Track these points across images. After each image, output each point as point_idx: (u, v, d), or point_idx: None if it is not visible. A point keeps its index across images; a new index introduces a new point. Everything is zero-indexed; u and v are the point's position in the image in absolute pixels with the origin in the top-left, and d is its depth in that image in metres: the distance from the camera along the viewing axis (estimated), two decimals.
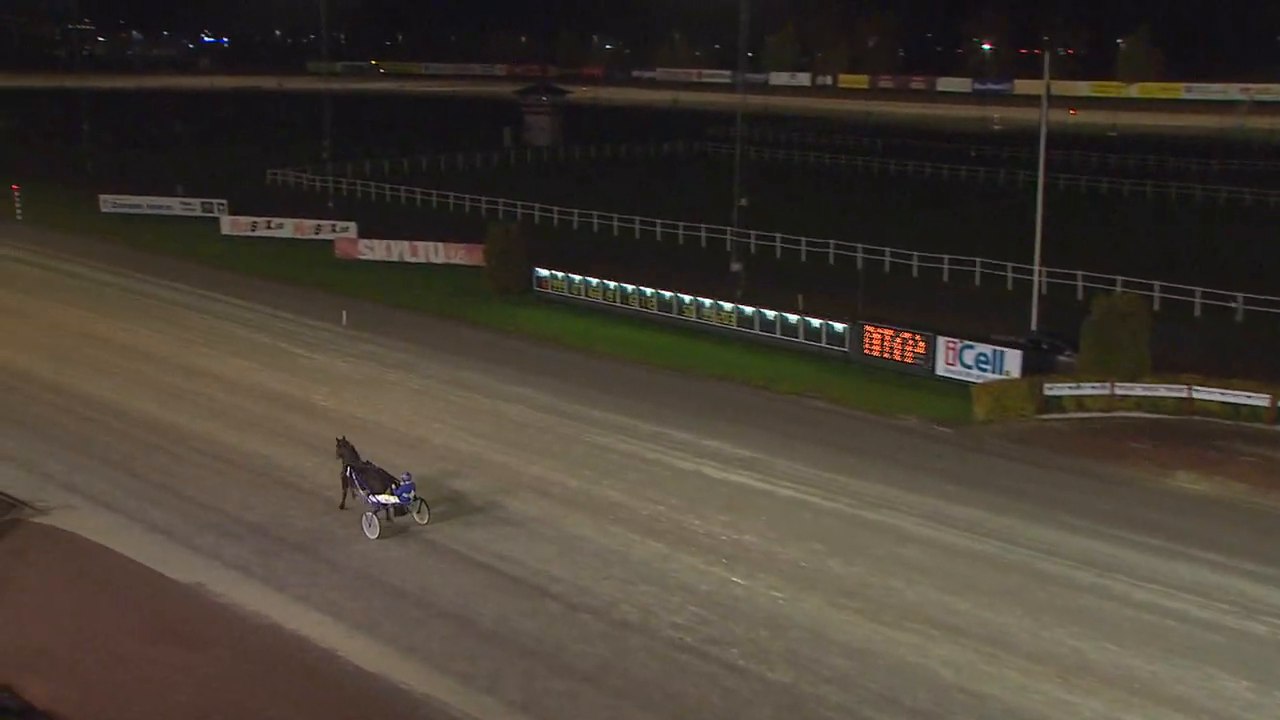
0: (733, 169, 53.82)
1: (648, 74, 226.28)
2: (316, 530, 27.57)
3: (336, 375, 39.77)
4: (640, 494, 29.86)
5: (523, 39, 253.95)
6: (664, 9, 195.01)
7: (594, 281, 48.96)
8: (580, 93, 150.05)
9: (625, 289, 47.84)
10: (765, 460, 32.16)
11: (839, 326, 41.67)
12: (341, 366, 40.82)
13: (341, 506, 28.02)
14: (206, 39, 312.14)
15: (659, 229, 64.41)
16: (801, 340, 42.49)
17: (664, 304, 46.58)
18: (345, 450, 27.90)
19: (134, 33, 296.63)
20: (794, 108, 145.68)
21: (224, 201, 69.48)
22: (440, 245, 57.54)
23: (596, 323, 46.86)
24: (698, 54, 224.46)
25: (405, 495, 26.95)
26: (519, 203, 69.98)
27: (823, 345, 41.90)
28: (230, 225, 65.23)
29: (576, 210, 67.89)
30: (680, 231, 63.79)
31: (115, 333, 44.36)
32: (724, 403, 37.34)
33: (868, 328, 40.84)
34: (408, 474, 27.33)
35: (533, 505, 29.11)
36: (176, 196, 72.52)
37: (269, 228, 64.66)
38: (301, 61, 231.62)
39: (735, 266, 51.52)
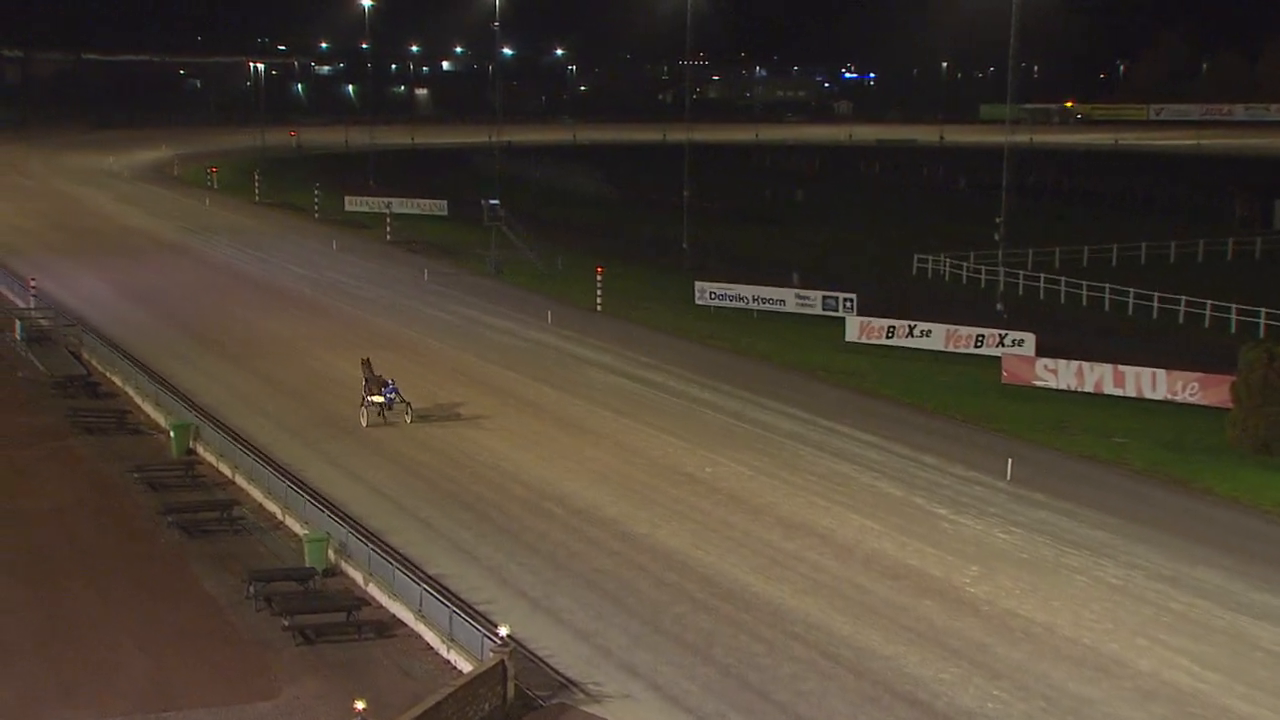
0: None
1: None
2: None
3: (992, 551, 40.21)
4: None
5: None
6: None
7: None
8: None
9: None
10: None
11: None
12: (1000, 539, 41.22)
13: (361, 404, 52.59)
14: (847, 75, 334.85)
15: None
16: None
17: None
18: (365, 368, 53.31)
19: (757, 69, 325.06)
20: None
21: (852, 297, 73.23)
22: (1161, 374, 56.45)
23: None
24: None
25: (390, 396, 52.22)
26: None
27: None
28: (858, 329, 68.55)
29: None
30: None
31: (702, 466, 48.06)
32: None
33: None
34: (391, 380, 52.71)
35: None
36: (791, 287, 77.62)
37: (910, 335, 67.15)
38: (974, 105, 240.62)
39: None
